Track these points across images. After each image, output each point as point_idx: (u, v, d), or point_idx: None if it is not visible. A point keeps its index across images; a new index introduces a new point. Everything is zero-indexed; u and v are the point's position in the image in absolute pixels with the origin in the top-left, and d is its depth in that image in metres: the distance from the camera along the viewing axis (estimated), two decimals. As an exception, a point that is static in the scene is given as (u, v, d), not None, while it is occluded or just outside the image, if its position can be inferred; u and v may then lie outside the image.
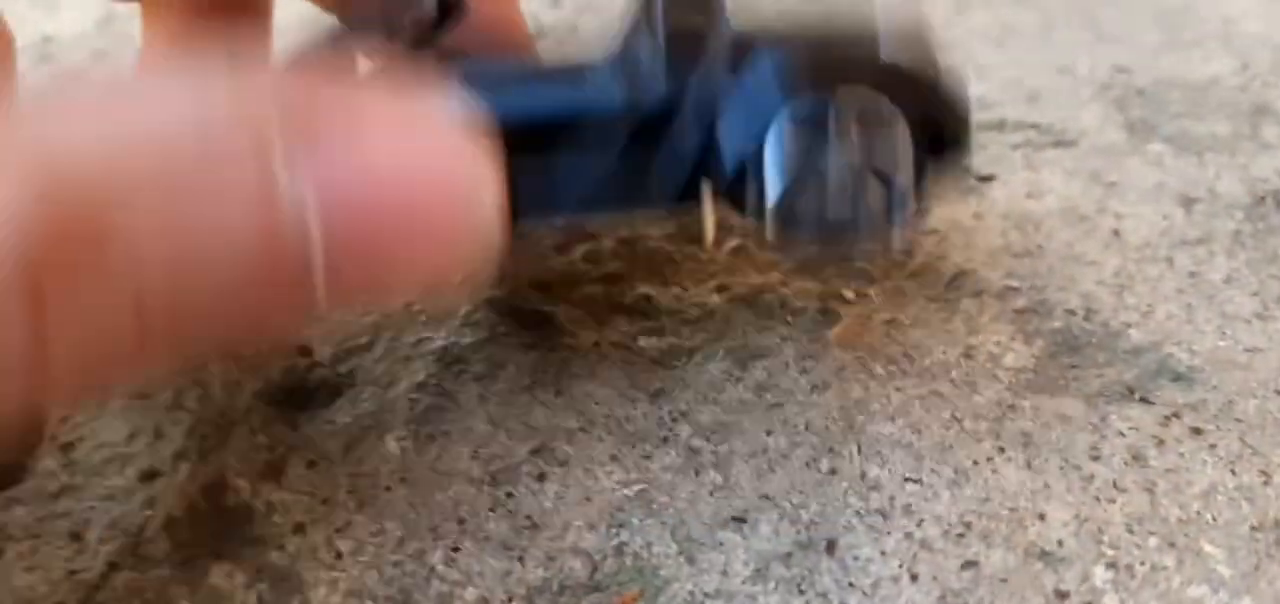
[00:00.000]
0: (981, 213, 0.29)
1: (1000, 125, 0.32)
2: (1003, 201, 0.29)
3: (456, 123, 0.15)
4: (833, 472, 0.23)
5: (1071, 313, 0.26)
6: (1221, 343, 0.25)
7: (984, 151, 0.31)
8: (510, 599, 0.21)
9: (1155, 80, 0.34)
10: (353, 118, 0.14)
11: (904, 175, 0.17)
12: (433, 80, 0.16)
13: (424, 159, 0.15)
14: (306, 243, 0.14)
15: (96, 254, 0.14)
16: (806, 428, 0.24)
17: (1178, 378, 0.24)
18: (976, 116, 0.25)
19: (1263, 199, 0.29)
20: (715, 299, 0.27)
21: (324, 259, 0.14)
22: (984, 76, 0.35)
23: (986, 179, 0.30)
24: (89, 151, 0.14)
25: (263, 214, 0.14)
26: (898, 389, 0.25)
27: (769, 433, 0.24)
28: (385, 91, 0.15)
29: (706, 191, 0.22)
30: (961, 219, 0.29)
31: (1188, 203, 0.29)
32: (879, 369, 0.25)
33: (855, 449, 0.23)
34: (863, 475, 0.23)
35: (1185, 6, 0.38)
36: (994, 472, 0.23)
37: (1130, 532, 0.21)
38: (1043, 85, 0.35)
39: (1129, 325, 0.26)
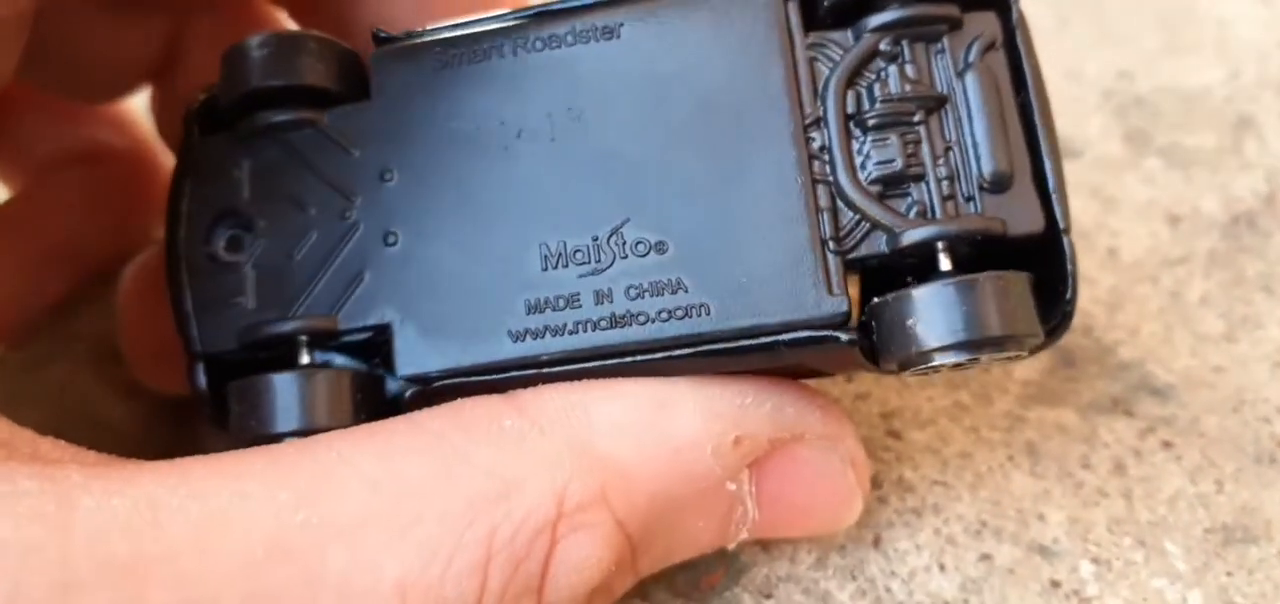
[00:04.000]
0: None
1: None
2: (1017, 217, 0.34)
3: (852, 485, 0.24)
4: (876, 475, 0.28)
5: (1071, 329, 0.31)
6: (1193, 362, 0.30)
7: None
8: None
9: (1153, 87, 0.39)
10: (791, 459, 0.22)
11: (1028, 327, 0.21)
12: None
13: (828, 499, 0.23)
14: (746, 526, 0.22)
15: (631, 572, 0.21)
16: (854, 435, 0.29)
17: (1155, 393, 0.30)
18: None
19: (1237, 220, 0.34)
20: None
21: (750, 531, 0.23)
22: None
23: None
24: (644, 479, 0.21)
25: (728, 530, 0.23)
26: (928, 399, 0.30)
27: (823, 437, 0.29)
28: (818, 448, 0.23)
29: None
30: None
31: (1174, 221, 0.34)
32: (911, 379, 0.30)
33: (894, 457, 0.29)
34: (900, 480, 0.28)
35: (1185, 4, 0.42)
36: (1005, 477, 0.28)
37: (1110, 532, 0.27)
38: (1054, 90, 0.39)
39: (1118, 342, 0.31)
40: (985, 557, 0.27)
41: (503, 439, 0.20)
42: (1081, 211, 0.35)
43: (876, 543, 0.27)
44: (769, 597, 0.26)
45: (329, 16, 0.30)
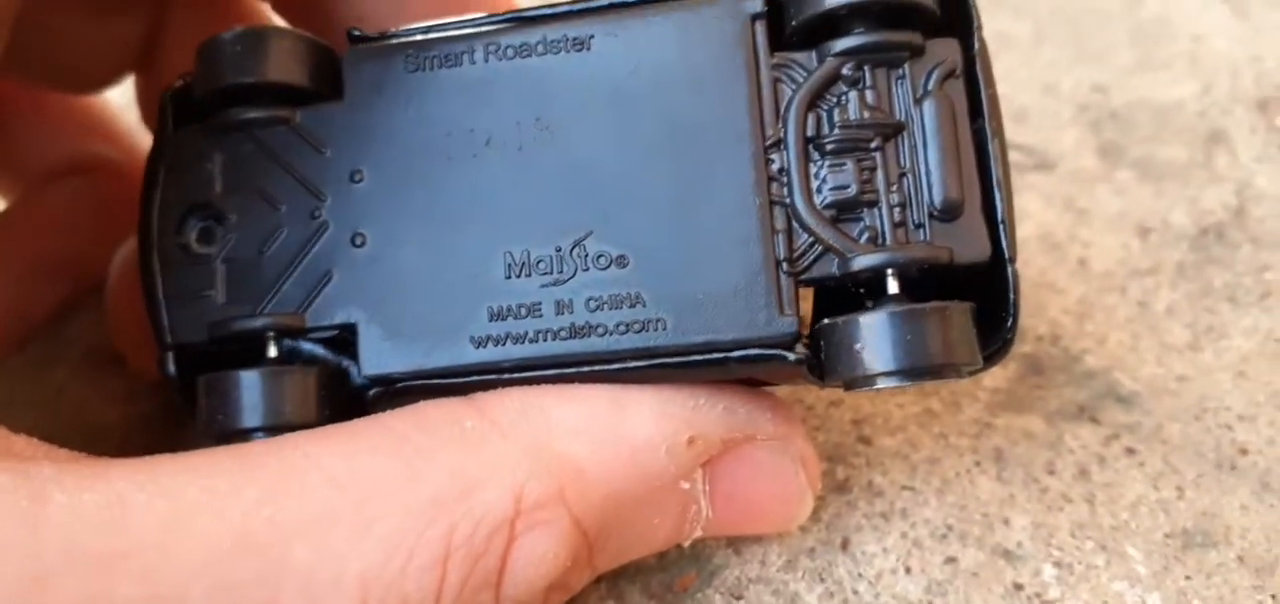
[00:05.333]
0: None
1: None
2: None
3: (803, 484, 0.25)
4: (846, 480, 0.29)
5: (1040, 338, 0.32)
6: (1158, 371, 0.31)
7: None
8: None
9: (1127, 102, 0.40)
10: (743, 459, 0.23)
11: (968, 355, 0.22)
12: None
13: (780, 498, 0.24)
14: (700, 524, 0.23)
15: (588, 568, 0.22)
16: (825, 442, 0.30)
17: (1121, 400, 0.31)
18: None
19: (1206, 232, 0.35)
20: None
21: (704, 529, 0.24)
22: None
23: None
24: (600, 478, 0.21)
25: (683, 527, 0.23)
26: (898, 406, 0.31)
27: (796, 443, 0.30)
28: (769, 448, 0.24)
29: None
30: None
31: (1144, 233, 0.35)
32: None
33: (864, 463, 0.29)
34: (869, 484, 0.29)
35: (1161, 19, 0.43)
36: (971, 483, 0.29)
37: (1073, 536, 0.28)
38: (1029, 104, 0.40)
39: (1086, 351, 0.32)
40: (950, 560, 0.27)
41: (464, 440, 0.21)
42: (1054, 223, 0.35)
43: (845, 546, 0.28)
44: (740, 598, 0.27)
45: (311, 9, 0.30)
